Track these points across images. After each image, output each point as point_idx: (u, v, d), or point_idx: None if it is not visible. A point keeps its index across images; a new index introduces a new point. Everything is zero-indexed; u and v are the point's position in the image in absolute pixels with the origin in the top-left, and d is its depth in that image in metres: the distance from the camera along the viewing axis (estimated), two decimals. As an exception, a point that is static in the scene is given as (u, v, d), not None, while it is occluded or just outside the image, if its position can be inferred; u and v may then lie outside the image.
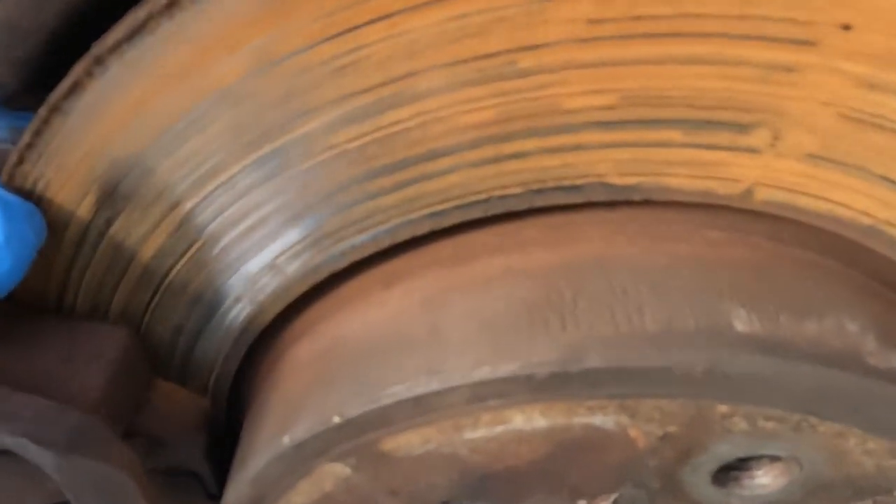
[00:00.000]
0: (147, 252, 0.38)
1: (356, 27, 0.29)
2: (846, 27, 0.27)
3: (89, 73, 0.31)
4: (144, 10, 0.29)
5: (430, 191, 0.34)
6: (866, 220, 0.33)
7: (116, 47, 0.30)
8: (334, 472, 0.35)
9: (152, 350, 0.43)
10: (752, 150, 0.31)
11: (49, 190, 0.35)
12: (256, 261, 0.38)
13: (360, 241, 0.36)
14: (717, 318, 0.30)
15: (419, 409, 0.31)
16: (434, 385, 0.30)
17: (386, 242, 0.36)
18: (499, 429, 0.32)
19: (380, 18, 0.28)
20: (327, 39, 0.29)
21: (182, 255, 0.38)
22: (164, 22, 0.29)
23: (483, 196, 0.33)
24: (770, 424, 0.31)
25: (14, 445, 0.33)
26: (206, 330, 0.42)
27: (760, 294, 0.31)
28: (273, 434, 0.36)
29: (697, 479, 0.34)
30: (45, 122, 0.32)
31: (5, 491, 0.39)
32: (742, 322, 0.30)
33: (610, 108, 0.30)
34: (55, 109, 0.32)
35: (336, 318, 0.37)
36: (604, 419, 0.31)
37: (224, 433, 0.47)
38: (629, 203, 0.34)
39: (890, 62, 0.28)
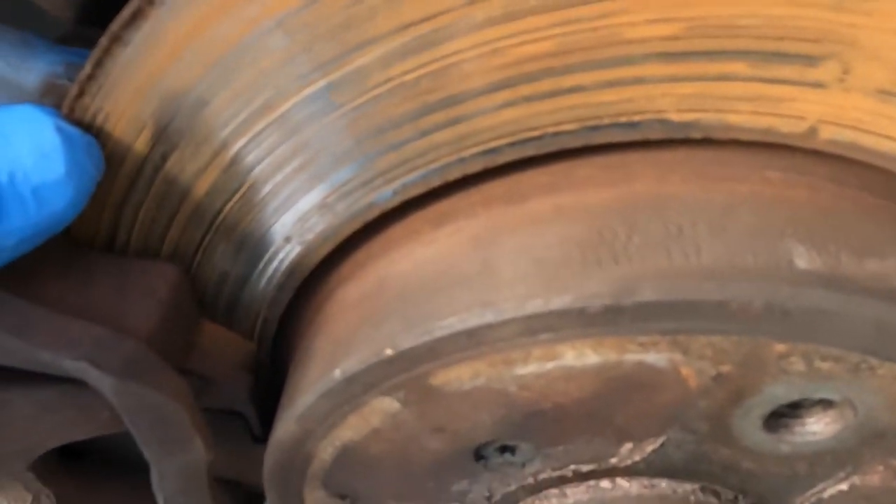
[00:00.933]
0: (200, 189, 0.38)
1: (416, -48, 0.28)
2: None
3: (150, 1, 0.31)
4: None
5: (483, 127, 0.33)
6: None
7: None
8: (383, 406, 0.35)
9: (200, 292, 0.43)
10: (818, 85, 0.30)
11: (107, 123, 0.35)
12: (307, 200, 0.38)
13: (411, 180, 0.36)
14: (777, 255, 0.29)
15: (472, 341, 0.31)
16: (488, 317, 0.30)
17: (437, 181, 0.36)
18: (549, 365, 0.32)
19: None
20: (386, -35, 0.29)
21: (234, 193, 0.39)
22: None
23: (537, 133, 0.33)
24: (827, 365, 0.30)
25: (75, 370, 0.34)
26: (255, 272, 0.42)
27: (821, 233, 0.31)
28: (322, 370, 0.36)
29: (748, 423, 0.34)
30: (107, 51, 0.33)
31: (58, 420, 0.41)
32: (803, 259, 0.29)
33: (674, 38, 0.29)
34: (116, 39, 0.32)
35: (385, 258, 0.37)
36: (656, 356, 0.31)
37: (269, 378, 0.47)
38: (686, 142, 0.33)
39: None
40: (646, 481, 0.38)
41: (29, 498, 0.48)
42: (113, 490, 0.50)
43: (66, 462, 0.48)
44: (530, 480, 0.39)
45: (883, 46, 0.28)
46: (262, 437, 0.48)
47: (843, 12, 0.28)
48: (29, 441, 0.41)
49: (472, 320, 0.31)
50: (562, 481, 0.39)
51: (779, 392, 0.32)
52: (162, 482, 0.41)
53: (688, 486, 0.38)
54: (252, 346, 0.46)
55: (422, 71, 0.32)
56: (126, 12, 0.32)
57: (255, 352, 0.46)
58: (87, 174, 0.34)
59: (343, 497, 0.43)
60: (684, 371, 0.31)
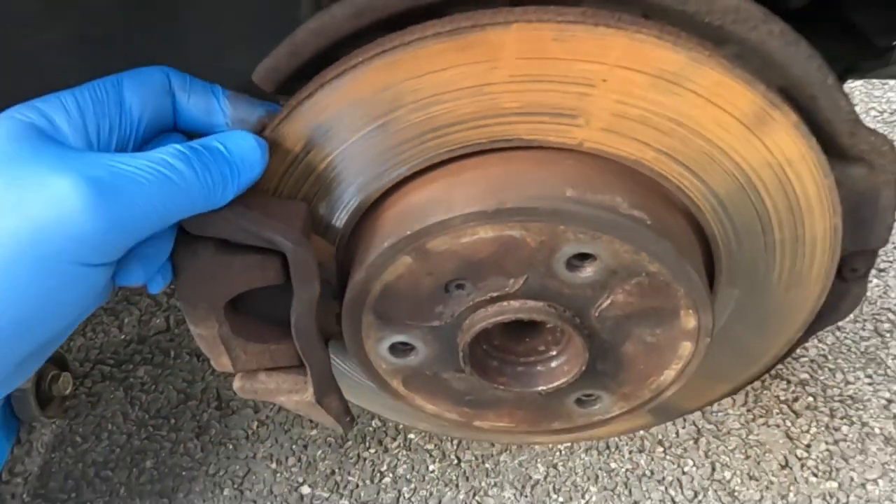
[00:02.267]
0: (319, 170, 0.83)
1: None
2: (604, 80, 0.72)
3: (320, 87, 0.76)
4: (352, 60, 0.74)
5: (448, 141, 0.79)
6: (633, 158, 0.78)
7: (332, 78, 0.75)
8: (405, 261, 0.81)
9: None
10: (577, 126, 0.76)
11: (283, 139, 0.80)
12: (368, 172, 0.83)
13: (417, 163, 0.81)
14: (559, 191, 0.75)
15: (442, 226, 0.77)
16: (449, 215, 0.76)
17: (431, 162, 0.81)
18: (475, 237, 0.77)
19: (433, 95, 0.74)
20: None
21: (333, 171, 0.84)
22: (360, 66, 0.74)
23: (472, 143, 0.79)
24: (582, 236, 0.76)
25: (277, 242, 0.79)
26: (338, 209, 0.87)
27: (583, 184, 0.77)
28: (379, 243, 0.81)
29: (560, 266, 0.80)
30: (294, 108, 0.78)
31: (249, 275, 0.84)
32: (570, 192, 0.75)
33: (520, 109, 0.75)
34: (299, 103, 0.77)
35: (407, 196, 0.82)
36: (516, 232, 0.76)
37: (339, 267, 0.92)
38: (531, 147, 0.79)
39: (625, 94, 0.73)
40: (523, 301, 0.84)
41: (216, 327, 0.92)
42: (258, 329, 0.94)
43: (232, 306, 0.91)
44: (471, 304, 0.85)
45: (599, 113, 0.75)
46: (337, 296, 0.92)
47: (580, 99, 0.74)
48: (231, 287, 0.84)
49: (442, 216, 0.76)
50: (486, 303, 0.84)
51: (567, 249, 0.78)
52: (297, 306, 0.85)
53: (541, 304, 0.83)
54: (333, 249, 0.91)
55: (425, 118, 0.77)
56: (305, 91, 0.77)
57: (335, 252, 0.91)
58: (266, 159, 0.79)
59: (380, 317, 0.88)
60: (528, 239, 0.77)
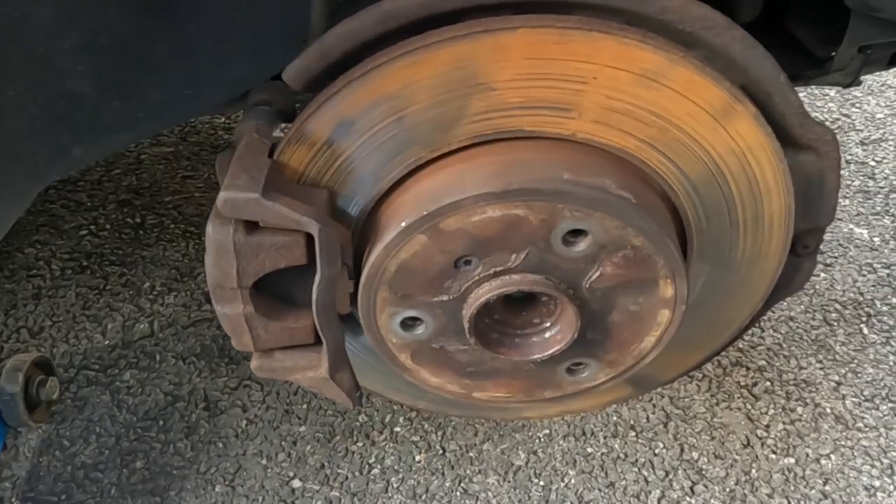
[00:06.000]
0: (341, 159, 0.93)
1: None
2: (594, 77, 0.84)
3: (347, 84, 0.85)
4: (377, 60, 0.84)
5: (462, 132, 0.90)
6: (619, 146, 0.90)
7: (359, 76, 0.85)
8: (420, 240, 0.90)
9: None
10: (570, 118, 0.88)
11: (310, 131, 0.90)
12: (388, 161, 0.93)
13: (430, 153, 0.92)
14: (558, 174, 0.87)
15: (454, 207, 0.87)
16: (462, 196, 0.86)
17: (442, 153, 0.91)
18: (483, 216, 0.88)
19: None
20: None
21: (348, 167, 0.93)
22: (383, 66, 0.84)
23: (485, 135, 0.89)
24: (577, 213, 0.87)
25: (303, 222, 0.88)
26: (353, 202, 0.96)
27: (578, 168, 0.88)
28: (395, 225, 0.90)
29: (557, 242, 0.91)
30: (322, 103, 0.87)
31: (277, 254, 0.92)
32: (567, 175, 0.86)
33: (523, 103, 0.86)
34: (328, 99, 0.87)
35: (421, 183, 0.92)
36: (520, 211, 0.87)
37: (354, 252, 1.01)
38: (532, 137, 0.90)
39: (612, 89, 0.85)
40: (524, 275, 0.94)
41: (241, 307, 0.99)
42: (278, 309, 1.02)
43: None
44: (477, 278, 0.95)
45: (591, 106, 0.86)
46: (352, 276, 1.01)
47: (574, 95, 0.85)
48: (261, 267, 0.93)
49: (456, 197, 0.86)
50: (490, 277, 0.94)
51: (564, 225, 0.89)
52: (320, 283, 0.93)
53: (539, 276, 0.94)
54: (349, 234, 1.00)
55: (436, 121, 0.88)
56: (333, 88, 0.86)
57: (350, 236, 1.00)
58: None
59: (394, 293, 0.97)
60: (531, 217, 0.88)
